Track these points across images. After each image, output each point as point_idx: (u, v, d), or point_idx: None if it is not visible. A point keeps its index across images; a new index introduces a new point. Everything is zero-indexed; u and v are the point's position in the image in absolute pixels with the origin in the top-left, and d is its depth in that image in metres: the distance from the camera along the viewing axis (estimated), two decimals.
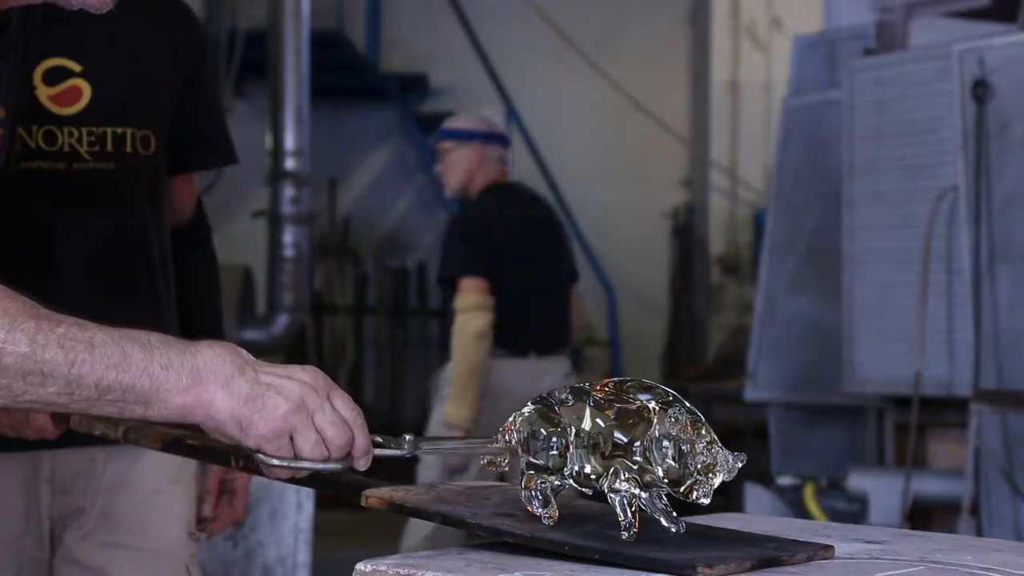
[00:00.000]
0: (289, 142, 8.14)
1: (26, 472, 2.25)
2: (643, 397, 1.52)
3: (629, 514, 1.50)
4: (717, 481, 1.49)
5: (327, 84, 9.40)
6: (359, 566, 1.50)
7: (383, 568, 1.48)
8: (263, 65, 8.01)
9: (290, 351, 7.95)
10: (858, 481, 5.48)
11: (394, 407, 10.53)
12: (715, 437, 1.49)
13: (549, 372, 5.08)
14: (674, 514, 1.54)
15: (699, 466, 1.48)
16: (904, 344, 5.45)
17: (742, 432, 8.42)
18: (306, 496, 4.13)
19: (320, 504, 4.68)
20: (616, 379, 1.55)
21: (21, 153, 2.21)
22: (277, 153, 7.95)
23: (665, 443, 1.49)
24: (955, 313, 5.33)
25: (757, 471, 6.52)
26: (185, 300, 2.44)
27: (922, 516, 5.37)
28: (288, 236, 8.12)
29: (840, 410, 5.97)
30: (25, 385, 1.43)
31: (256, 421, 1.49)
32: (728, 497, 8.16)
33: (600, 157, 11.07)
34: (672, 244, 11.14)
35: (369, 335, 10.36)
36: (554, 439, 1.55)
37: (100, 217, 2.28)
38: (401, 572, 1.46)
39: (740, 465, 1.50)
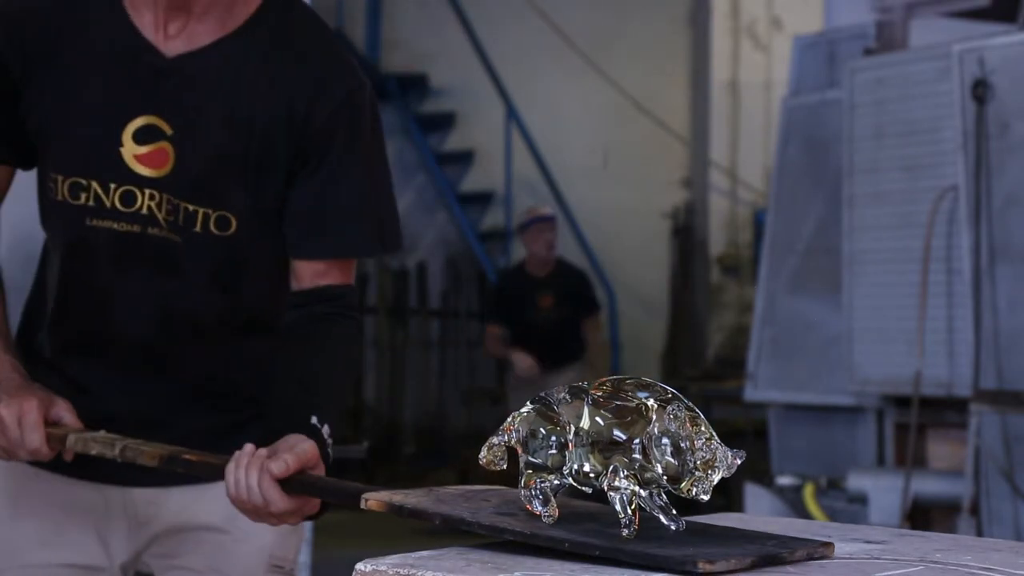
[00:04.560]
0: None
1: (95, 501, 2.23)
2: (641, 395, 1.52)
3: (629, 511, 1.51)
4: (716, 478, 1.50)
5: None
6: (359, 566, 1.50)
7: (383, 568, 1.48)
8: None
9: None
10: (858, 481, 5.48)
11: (394, 407, 10.53)
12: (713, 433, 1.50)
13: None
14: (674, 512, 1.54)
15: (698, 463, 1.49)
16: (904, 344, 5.45)
17: (742, 432, 8.42)
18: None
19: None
20: (614, 377, 1.56)
21: (94, 209, 2.13)
22: None
23: (664, 440, 1.49)
24: (955, 313, 5.33)
25: (757, 471, 6.52)
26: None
27: (922, 516, 5.38)
28: None
29: (840, 410, 5.97)
30: None
31: None
32: (728, 497, 8.17)
33: (600, 157, 11.07)
34: (672, 244, 11.14)
35: (369, 335, 10.35)
36: (553, 438, 1.56)
37: (160, 288, 2.15)
38: (401, 572, 1.46)
39: (739, 462, 1.51)
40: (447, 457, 9.84)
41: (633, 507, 1.51)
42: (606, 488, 1.52)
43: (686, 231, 11.06)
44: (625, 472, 1.51)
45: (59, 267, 2.19)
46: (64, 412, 2.14)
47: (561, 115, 10.95)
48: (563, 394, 1.57)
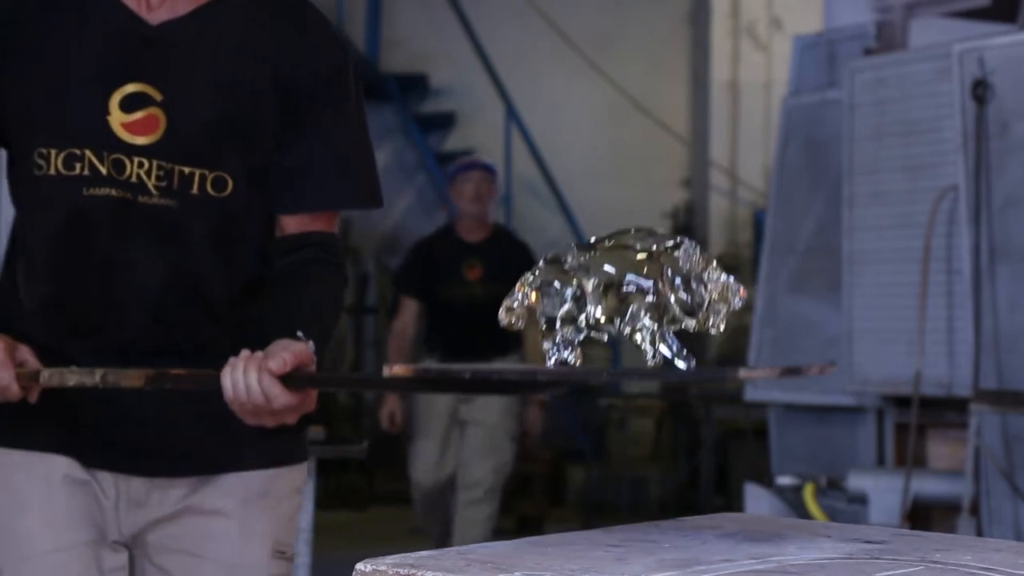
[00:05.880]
0: None
1: (77, 476, 2.20)
2: (649, 240, 1.60)
3: (656, 348, 1.63)
4: (727, 309, 1.60)
5: None
6: (359, 566, 1.50)
7: (383, 568, 1.48)
8: None
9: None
10: (858, 481, 5.48)
11: None
12: (721, 269, 1.59)
13: None
14: (685, 351, 1.64)
15: (714, 296, 1.59)
16: (904, 344, 5.45)
17: (742, 432, 8.42)
18: (306, 496, 4.13)
19: (320, 504, 4.68)
20: (617, 230, 1.65)
21: (90, 178, 2.15)
22: None
23: (678, 279, 1.60)
24: (955, 313, 5.33)
25: (757, 471, 6.52)
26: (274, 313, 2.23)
27: (922, 516, 5.37)
28: None
29: (840, 410, 5.97)
30: None
31: None
32: (728, 497, 8.17)
33: (600, 157, 11.07)
34: None
35: (369, 335, 10.35)
36: (568, 290, 1.64)
37: (160, 254, 2.17)
38: (401, 572, 1.47)
39: (743, 291, 1.61)
40: None
41: (657, 345, 1.61)
42: (629, 331, 1.60)
43: (686, 231, 11.07)
44: (645, 312, 1.60)
45: (51, 246, 2.17)
46: (28, 356, 2.14)
47: (561, 115, 10.95)
48: (571, 250, 1.65)
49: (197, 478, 2.24)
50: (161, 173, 2.15)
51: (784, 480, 5.78)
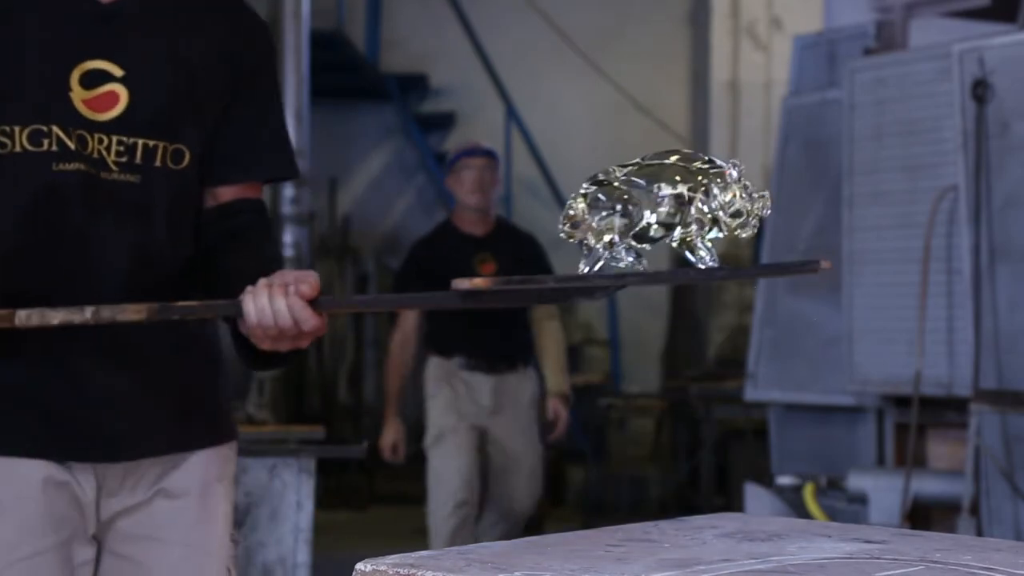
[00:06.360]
0: None
1: (64, 477, 2.20)
2: (693, 159, 1.79)
3: (706, 253, 1.80)
4: (756, 221, 1.79)
5: (327, 84, 9.40)
6: (359, 566, 1.50)
7: (383, 568, 1.48)
8: None
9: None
10: (858, 481, 5.48)
11: None
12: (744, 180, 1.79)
13: None
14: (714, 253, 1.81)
15: (747, 204, 1.78)
16: (904, 344, 5.45)
17: (742, 432, 8.42)
18: (306, 496, 4.14)
19: (320, 504, 4.68)
20: (657, 153, 1.81)
21: (59, 153, 2.15)
22: None
23: (715, 189, 1.77)
24: (955, 313, 5.33)
25: (757, 471, 6.52)
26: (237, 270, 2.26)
27: (922, 516, 5.37)
28: (288, 236, 8.13)
29: (840, 410, 5.97)
30: None
31: None
32: (728, 497, 8.17)
33: (600, 157, 11.04)
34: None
35: (369, 335, 10.34)
36: (618, 205, 1.77)
37: (126, 228, 2.20)
38: (401, 572, 1.47)
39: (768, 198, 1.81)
40: None
41: (709, 250, 1.79)
42: (682, 239, 1.79)
43: None
44: (695, 220, 1.77)
45: (19, 223, 2.16)
46: None
47: (561, 115, 10.95)
48: (613, 169, 1.80)
49: (168, 458, 2.26)
50: (121, 148, 2.19)
51: (784, 480, 5.78)
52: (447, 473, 5.54)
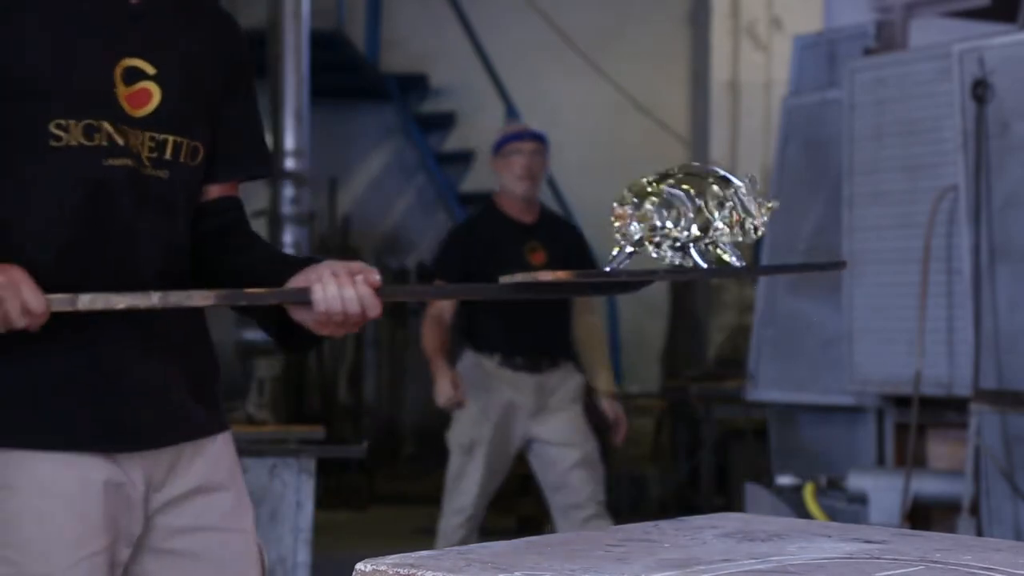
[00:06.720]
0: (289, 142, 8.15)
1: (112, 473, 2.23)
2: (715, 171, 2.03)
3: (733, 254, 2.01)
4: (766, 218, 2.02)
5: (327, 84, 9.40)
6: (359, 566, 1.50)
7: (383, 568, 1.48)
8: (263, 65, 8.00)
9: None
10: (858, 481, 5.48)
11: (394, 407, 10.54)
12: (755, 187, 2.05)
13: None
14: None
15: (756, 208, 2.00)
16: (904, 344, 5.45)
17: (742, 432, 8.42)
18: (306, 496, 4.13)
19: (320, 504, 4.68)
20: (683, 166, 2.09)
21: (109, 148, 2.20)
22: (277, 153, 7.95)
23: (737, 197, 2.00)
24: (955, 313, 5.33)
25: (757, 471, 6.52)
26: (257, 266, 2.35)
27: (922, 516, 5.37)
28: (288, 236, 8.13)
29: (840, 410, 5.97)
30: None
31: None
32: (728, 497, 8.17)
33: (600, 157, 11.07)
34: None
35: (369, 335, 10.35)
36: (691, 203, 2.02)
37: (160, 222, 2.27)
38: (401, 572, 1.47)
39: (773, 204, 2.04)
40: (447, 457, 9.82)
41: (732, 251, 2.01)
42: (713, 240, 2.00)
43: None
44: (725, 223, 2.00)
45: (69, 217, 2.19)
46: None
47: (561, 115, 10.95)
48: (678, 172, 2.06)
49: (200, 443, 2.32)
50: (153, 144, 2.25)
51: (784, 480, 5.78)
52: (470, 486, 5.39)
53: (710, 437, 8.51)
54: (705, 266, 2.03)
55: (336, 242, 10.39)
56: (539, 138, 5.50)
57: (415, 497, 9.23)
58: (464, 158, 10.85)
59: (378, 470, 9.55)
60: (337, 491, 8.77)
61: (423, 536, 6.54)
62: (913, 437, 5.34)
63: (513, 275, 2.03)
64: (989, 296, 5.21)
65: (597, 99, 11.03)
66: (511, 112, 10.48)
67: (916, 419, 5.34)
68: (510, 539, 1.67)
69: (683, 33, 11.34)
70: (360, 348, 10.25)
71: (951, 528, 5.09)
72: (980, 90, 5.23)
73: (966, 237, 5.27)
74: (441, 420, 10.78)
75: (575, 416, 5.44)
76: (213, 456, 2.33)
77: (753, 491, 5.85)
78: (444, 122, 10.98)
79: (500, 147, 5.51)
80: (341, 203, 10.64)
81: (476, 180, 10.87)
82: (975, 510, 5.09)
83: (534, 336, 5.34)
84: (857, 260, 5.67)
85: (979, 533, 5.06)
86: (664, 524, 1.81)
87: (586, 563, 1.49)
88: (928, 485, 5.35)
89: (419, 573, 1.45)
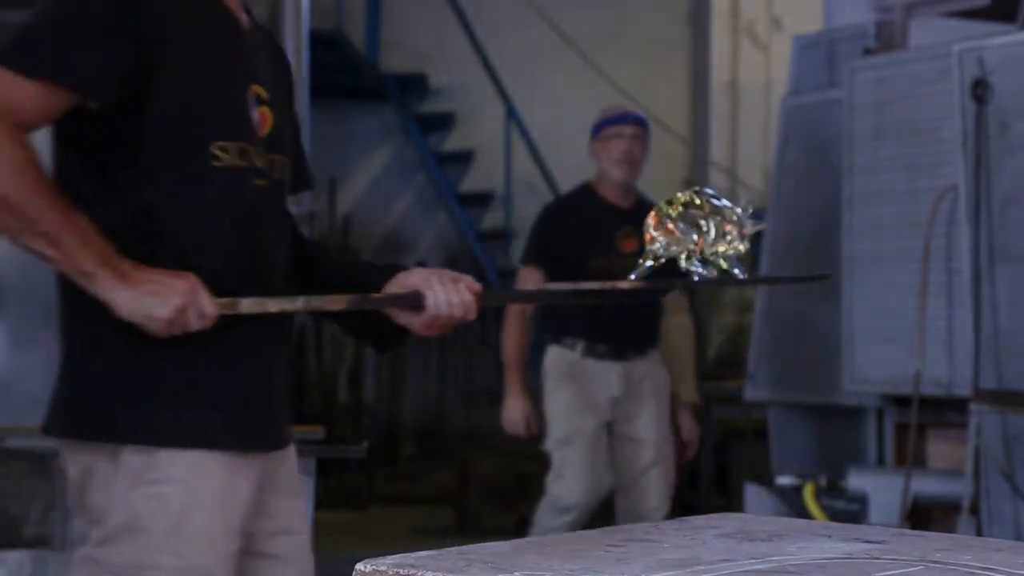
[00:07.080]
0: None
1: (253, 477, 2.35)
2: (719, 199, 2.49)
3: (739, 267, 2.48)
4: (750, 234, 2.51)
5: (327, 84, 9.39)
6: (359, 566, 1.50)
7: (383, 568, 1.48)
8: None
9: (290, 351, 7.95)
10: (858, 481, 5.48)
11: (394, 407, 10.54)
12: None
13: None
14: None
15: (746, 227, 2.49)
16: (904, 344, 5.45)
17: (742, 432, 8.42)
18: (306, 496, 4.13)
19: (320, 504, 4.68)
20: (688, 192, 2.46)
21: (254, 169, 2.35)
22: None
23: (734, 218, 2.47)
24: (955, 313, 5.33)
25: (757, 471, 6.52)
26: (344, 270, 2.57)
27: (922, 516, 5.37)
28: None
29: (840, 410, 5.97)
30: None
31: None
32: (728, 497, 8.16)
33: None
34: None
35: None
36: (712, 222, 2.44)
37: (282, 236, 2.44)
38: (401, 572, 1.47)
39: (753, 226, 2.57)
40: (447, 457, 9.83)
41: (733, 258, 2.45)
42: (717, 253, 2.44)
43: None
44: (731, 241, 2.47)
45: (227, 231, 2.31)
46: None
47: (561, 115, 10.94)
48: (703, 196, 2.47)
49: (285, 450, 2.45)
50: (272, 164, 2.40)
51: (784, 480, 5.78)
52: (571, 482, 5.11)
53: (710, 437, 8.50)
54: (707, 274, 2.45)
55: (336, 242, 10.39)
56: (640, 122, 5.31)
57: (415, 497, 9.23)
58: (464, 158, 10.84)
59: (378, 470, 9.54)
60: (337, 491, 8.77)
61: (423, 536, 6.54)
62: (913, 437, 5.34)
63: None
64: (989, 296, 5.21)
65: (597, 99, 11.01)
66: (511, 112, 10.49)
67: (916, 419, 5.34)
68: (510, 539, 1.67)
69: (683, 33, 11.34)
70: (360, 348, 10.25)
71: (951, 528, 5.09)
72: (980, 90, 5.23)
73: (966, 237, 5.27)
74: (441, 420, 10.72)
75: (661, 410, 5.17)
76: (292, 461, 2.45)
77: (753, 491, 5.85)
78: (444, 122, 10.97)
79: (599, 131, 5.34)
80: (341, 203, 10.64)
81: (476, 180, 10.88)
82: (975, 510, 5.09)
83: (618, 323, 5.07)
84: (857, 260, 5.67)
85: (979, 533, 5.06)
86: (664, 524, 1.81)
87: (586, 563, 1.49)
88: (928, 485, 5.35)
89: (419, 573, 1.45)
